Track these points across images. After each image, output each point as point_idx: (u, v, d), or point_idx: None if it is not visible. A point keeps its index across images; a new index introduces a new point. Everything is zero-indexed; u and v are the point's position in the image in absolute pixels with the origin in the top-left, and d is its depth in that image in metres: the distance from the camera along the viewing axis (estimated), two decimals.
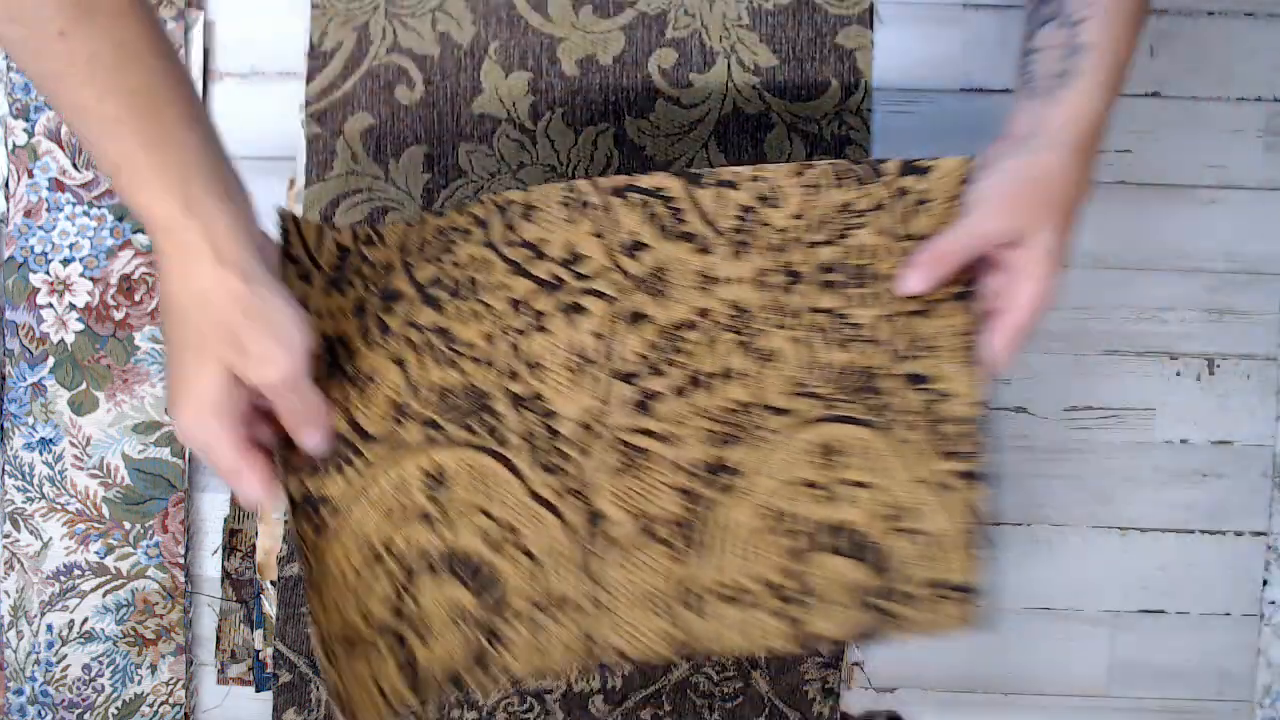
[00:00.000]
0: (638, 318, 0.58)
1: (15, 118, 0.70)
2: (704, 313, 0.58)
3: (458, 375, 0.57)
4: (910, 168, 0.57)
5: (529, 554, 0.57)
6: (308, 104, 0.71)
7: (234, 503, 0.72)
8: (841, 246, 0.58)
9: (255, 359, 0.46)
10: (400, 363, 0.56)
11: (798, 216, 0.58)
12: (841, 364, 0.58)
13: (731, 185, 0.58)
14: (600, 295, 0.57)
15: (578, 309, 0.57)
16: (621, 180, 0.57)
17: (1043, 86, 0.55)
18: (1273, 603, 0.74)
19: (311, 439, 0.51)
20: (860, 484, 0.58)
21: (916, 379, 0.57)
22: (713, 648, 0.58)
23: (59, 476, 0.71)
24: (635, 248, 0.58)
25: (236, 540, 0.72)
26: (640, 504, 0.58)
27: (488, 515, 0.57)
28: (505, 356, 0.57)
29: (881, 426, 0.58)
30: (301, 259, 0.55)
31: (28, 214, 0.70)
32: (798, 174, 0.57)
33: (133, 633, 0.72)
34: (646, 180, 0.57)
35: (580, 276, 0.57)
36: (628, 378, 0.58)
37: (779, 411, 0.58)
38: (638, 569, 0.58)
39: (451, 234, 0.57)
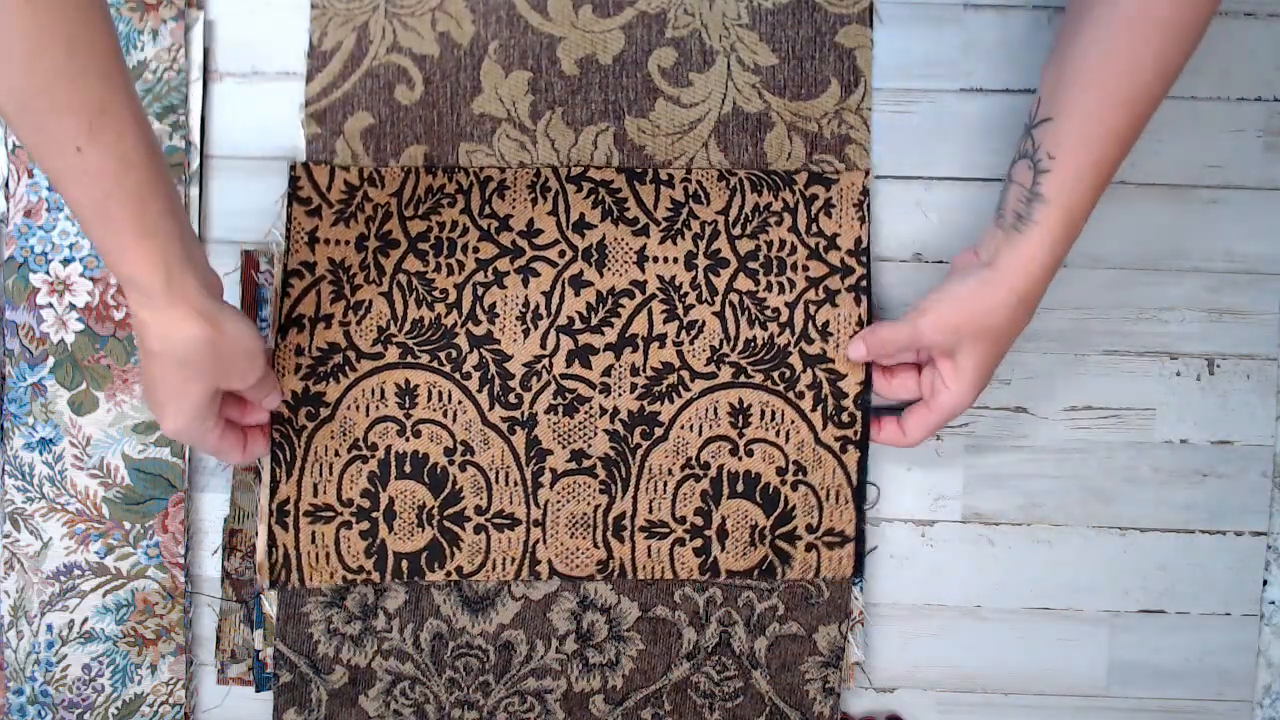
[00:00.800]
0: (580, 283, 0.69)
1: None
2: (639, 284, 0.70)
3: (431, 314, 0.69)
4: (818, 178, 0.70)
5: (481, 470, 0.69)
6: (307, 104, 0.71)
7: (234, 503, 0.72)
8: (759, 240, 0.70)
9: (237, 375, 0.60)
10: (389, 298, 0.69)
11: (721, 212, 0.69)
12: (755, 339, 0.70)
13: (668, 183, 0.70)
14: (550, 262, 0.69)
15: (532, 272, 0.69)
16: (577, 171, 0.70)
17: (1008, 221, 0.61)
18: (1273, 603, 0.74)
19: (273, 402, 0.67)
20: (765, 441, 0.70)
21: (817, 358, 0.69)
22: (634, 571, 0.70)
23: (59, 476, 0.71)
24: (583, 226, 0.70)
25: (236, 540, 0.72)
26: (576, 441, 0.70)
27: (448, 432, 0.69)
28: (469, 304, 0.69)
29: (785, 395, 0.70)
30: (311, 199, 0.70)
31: (28, 214, 0.70)
32: (722, 178, 0.70)
33: (133, 633, 0.72)
34: (598, 173, 0.70)
35: (536, 246, 0.70)
36: (570, 332, 0.69)
37: (700, 375, 0.70)
38: (572, 497, 0.70)
39: (441, 196, 0.70)
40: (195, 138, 0.71)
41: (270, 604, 0.71)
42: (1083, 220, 0.60)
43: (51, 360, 0.71)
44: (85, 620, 0.72)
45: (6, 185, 0.70)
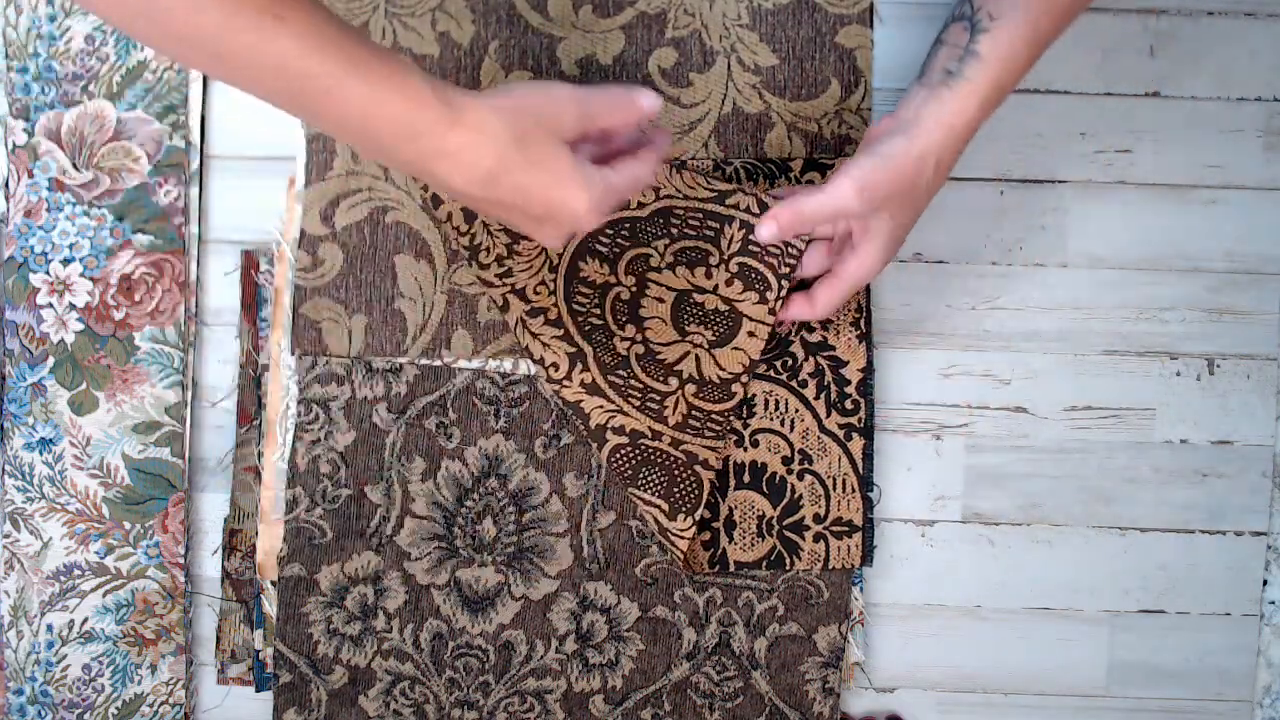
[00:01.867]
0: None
1: (15, 118, 0.70)
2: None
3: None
4: (813, 164, 0.70)
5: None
6: None
7: (234, 503, 0.72)
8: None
9: (572, 111, 0.54)
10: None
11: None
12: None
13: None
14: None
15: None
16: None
17: (934, 79, 0.60)
18: (1273, 603, 0.74)
19: (649, 100, 0.58)
20: (770, 431, 0.70)
21: (818, 346, 0.70)
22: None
23: (59, 476, 0.71)
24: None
25: (236, 540, 0.72)
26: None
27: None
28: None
29: (789, 383, 0.70)
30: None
31: (28, 214, 0.70)
32: (718, 169, 0.69)
33: (133, 633, 0.72)
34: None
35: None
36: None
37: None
38: None
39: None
40: (195, 138, 0.71)
41: (270, 604, 0.71)
42: (1011, 84, 0.59)
43: (51, 360, 0.71)
44: (85, 620, 0.72)
45: (6, 185, 0.70)
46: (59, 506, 0.71)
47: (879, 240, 0.61)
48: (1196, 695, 0.74)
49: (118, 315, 0.71)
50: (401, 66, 0.51)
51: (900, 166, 0.58)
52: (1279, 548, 0.74)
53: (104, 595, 0.72)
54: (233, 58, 0.47)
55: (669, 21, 0.71)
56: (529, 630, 0.71)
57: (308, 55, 0.48)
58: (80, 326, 0.71)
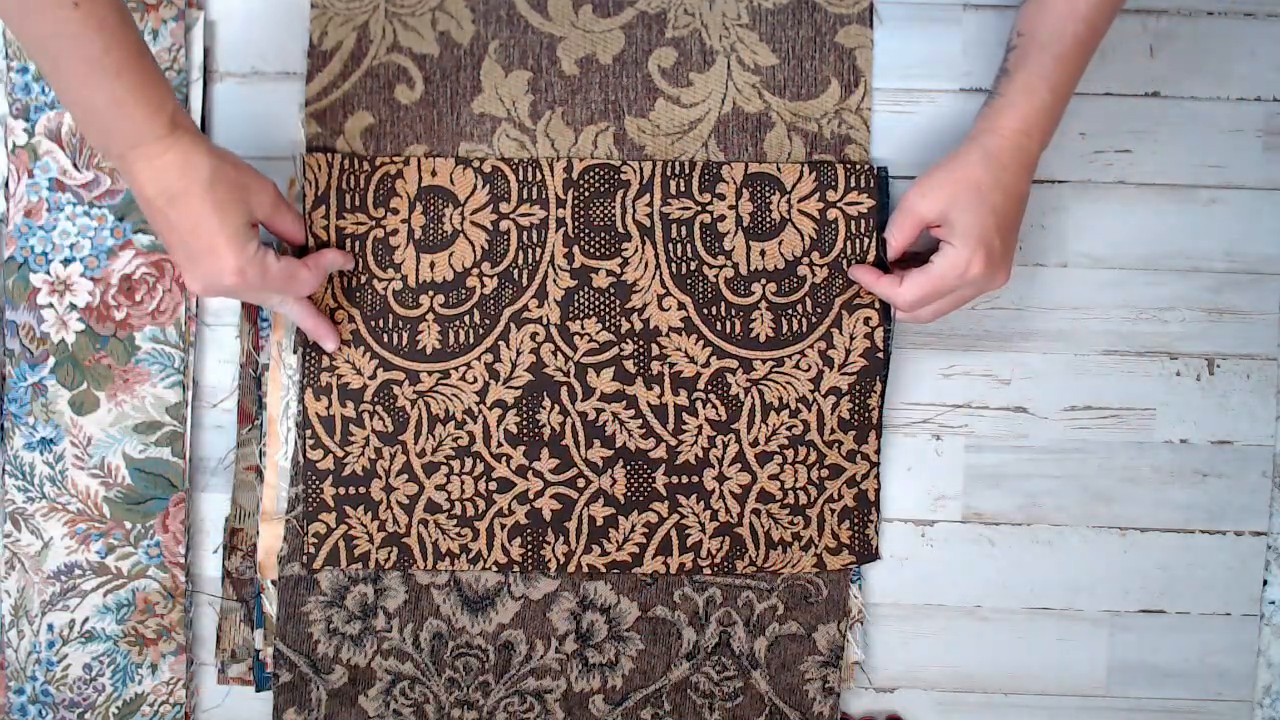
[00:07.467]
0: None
1: (15, 118, 0.70)
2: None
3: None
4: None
5: None
6: (307, 104, 0.71)
7: (235, 502, 0.72)
8: None
9: (257, 195, 0.61)
10: None
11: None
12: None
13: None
14: None
15: None
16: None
17: (988, 96, 0.66)
18: (1273, 603, 0.74)
19: (298, 232, 0.67)
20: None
21: None
22: None
23: (60, 476, 0.71)
24: None
25: (237, 539, 0.72)
26: None
27: None
28: None
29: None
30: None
31: (28, 214, 0.70)
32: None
33: (133, 632, 0.72)
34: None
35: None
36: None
37: None
38: None
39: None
40: None
41: (270, 603, 0.71)
42: (1044, 88, 0.63)
43: (52, 360, 0.71)
44: (86, 620, 0.72)
45: (6, 185, 0.70)
46: (60, 506, 0.71)
47: (959, 234, 0.63)
48: (1196, 695, 0.74)
49: (118, 315, 0.71)
50: (154, 82, 0.56)
51: (950, 167, 0.64)
52: (1279, 548, 0.74)
53: (105, 595, 0.72)
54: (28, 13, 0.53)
55: (669, 21, 0.71)
56: (529, 630, 0.71)
57: (89, 37, 0.53)
58: (81, 326, 0.71)
